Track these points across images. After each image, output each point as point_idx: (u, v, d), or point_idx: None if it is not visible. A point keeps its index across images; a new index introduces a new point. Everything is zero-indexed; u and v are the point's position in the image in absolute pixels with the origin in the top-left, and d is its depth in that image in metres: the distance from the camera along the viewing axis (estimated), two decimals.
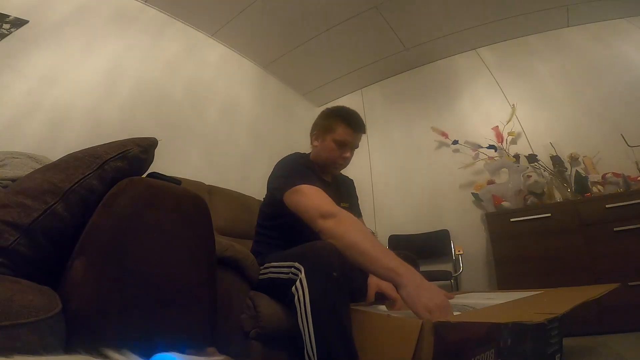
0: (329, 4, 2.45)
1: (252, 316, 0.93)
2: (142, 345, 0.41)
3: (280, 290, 0.90)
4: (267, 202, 1.24)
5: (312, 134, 1.28)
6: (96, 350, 0.38)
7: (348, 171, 1.38)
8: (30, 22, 1.67)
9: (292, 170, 1.10)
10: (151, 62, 2.22)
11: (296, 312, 0.79)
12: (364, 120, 1.25)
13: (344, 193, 1.33)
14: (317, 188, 1.00)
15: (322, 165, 1.23)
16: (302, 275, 0.81)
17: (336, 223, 0.88)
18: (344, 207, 1.23)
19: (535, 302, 0.88)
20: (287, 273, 0.88)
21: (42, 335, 0.45)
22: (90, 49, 1.92)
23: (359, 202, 1.43)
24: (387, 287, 1.00)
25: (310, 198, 0.97)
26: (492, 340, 0.69)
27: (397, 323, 0.66)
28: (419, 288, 0.72)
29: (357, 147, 1.23)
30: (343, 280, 0.79)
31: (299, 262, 0.84)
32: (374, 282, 1.03)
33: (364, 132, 1.23)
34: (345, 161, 1.22)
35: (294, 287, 0.82)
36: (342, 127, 1.18)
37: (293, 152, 1.27)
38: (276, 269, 0.95)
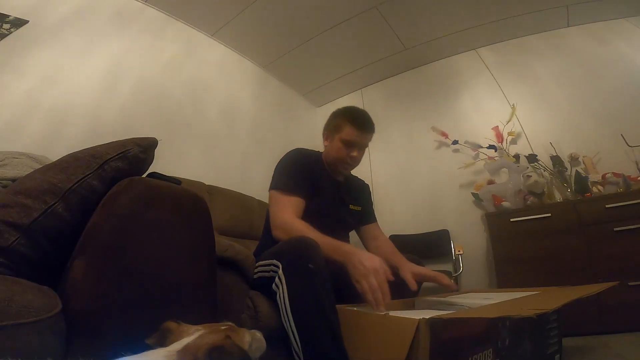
0: (329, 4, 2.45)
1: (252, 316, 0.93)
2: (141, 345, 0.41)
3: (266, 289, 0.90)
4: None
5: (323, 134, 1.30)
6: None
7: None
8: (30, 22, 1.67)
9: (283, 172, 1.12)
10: (151, 62, 2.22)
11: (279, 309, 0.79)
12: (373, 123, 1.25)
13: (355, 196, 1.33)
14: (291, 198, 1.03)
15: (331, 164, 1.25)
16: (280, 272, 0.81)
17: (283, 232, 0.93)
18: (353, 210, 1.25)
19: (531, 300, 0.88)
20: (269, 271, 0.88)
21: (42, 335, 0.45)
22: (90, 49, 1.92)
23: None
24: (427, 274, 1.00)
25: (276, 206, 1.02)
26: (490, 339, 0.69)
27: (393, 322, 0.66)
28: (355, 255, 0.81)
29: (366, 146, 1.24)
30: (323, 274, 0.78)
31: (276, 259, 0.85)
32: (408, 271, 0.99)
33: (373, 132, 1.24)
34: (353, 161, 1.23)
35: (274, 284, 0.82)
36: (348, 126, 1.19)
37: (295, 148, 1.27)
38: (261, 267, 0.95)
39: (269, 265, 0.88)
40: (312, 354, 0.72)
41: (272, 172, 1.17)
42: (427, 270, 0.99)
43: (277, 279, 0.82)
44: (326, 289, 0.77)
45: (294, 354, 0.74)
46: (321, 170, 1.22)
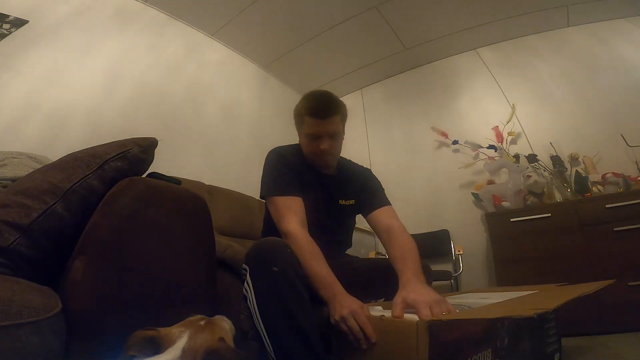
0: (329, 4, 2.45)
1: (250, 316, 0.93)
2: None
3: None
4: None
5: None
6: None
7: None
8: (30, 22, 1.67)
9: (270, 175, 1.08)
10: (151, 62, 2.22)
11: (250, 314, 0.77)
12: (335, 104, 1.08)
13: (347, 189, 1.20)
14: (291, 200, 0.99)
15: (309, 161, 1.15)
16: (248, 276, 0.79)
17: (290, 243, 0.88)
18: (343, 205, 1.19)
19: (530, 300, 0.88)
20: (244, 275, 0.86)
21: (42, 335, 0.45)
22: (90, 49, 1.92)
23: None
24: (417, 303, 0.73)
25: (279, 213, 0.98)
26: (489, 340, 0.69)
27: (391, 324, 0.66)
28: (337, 297, 0.76)
29: (335, 132, 1.08)
30: (290, 275, 0.75)
31: (245, 263, 0.82)
32: (399, 299, 0.78)
33: (335, 114, 1.07)
34: (325, 153, 1.08)
35: (243, 289, 0.80)
36: (307, 119, 1.07)
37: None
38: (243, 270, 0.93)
39: (243, 269, 0.86)
40: (282, 357, 0.71)
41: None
42: (420, 302, 0.73)
43: (245, 284, 0.80)
44: (294, 291, 0.75)
45: (269, 357, 0.73)
46: (302, 165, 1.13)
